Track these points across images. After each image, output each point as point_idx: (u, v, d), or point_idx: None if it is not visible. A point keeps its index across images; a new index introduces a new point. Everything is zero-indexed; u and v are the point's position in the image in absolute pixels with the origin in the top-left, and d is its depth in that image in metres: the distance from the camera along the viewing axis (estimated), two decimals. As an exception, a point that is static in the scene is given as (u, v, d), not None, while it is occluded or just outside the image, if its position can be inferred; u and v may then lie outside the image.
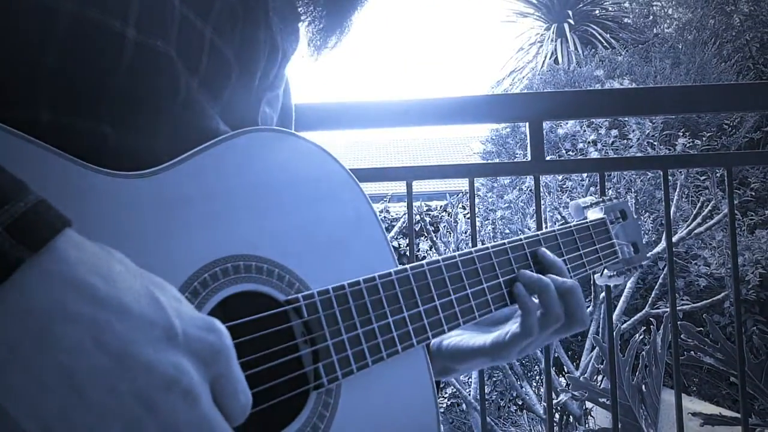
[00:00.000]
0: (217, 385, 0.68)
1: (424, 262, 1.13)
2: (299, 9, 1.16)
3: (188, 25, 0.91)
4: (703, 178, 9.09)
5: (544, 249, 1.30)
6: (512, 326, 1.24)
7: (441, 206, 12.22)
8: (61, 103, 0.80)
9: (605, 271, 1.54)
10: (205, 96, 0.95)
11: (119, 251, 0.69)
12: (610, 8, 20.43)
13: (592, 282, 5.90)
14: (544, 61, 18.91)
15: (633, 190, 8.17)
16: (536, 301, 1.23)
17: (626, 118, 9.55)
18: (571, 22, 19.40)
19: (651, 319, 6.02)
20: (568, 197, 8.24)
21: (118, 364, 0.60)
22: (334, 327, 0.96)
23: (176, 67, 0.89)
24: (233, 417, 0.70)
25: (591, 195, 1.62)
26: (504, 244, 1.27)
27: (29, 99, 0.78)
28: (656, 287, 6.33)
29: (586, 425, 6.29)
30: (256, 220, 0.93)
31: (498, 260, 1.25)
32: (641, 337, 5.03)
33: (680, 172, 6.70)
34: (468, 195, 2.47)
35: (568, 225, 1.42)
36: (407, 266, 1.09)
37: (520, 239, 1.30)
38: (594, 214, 1.52)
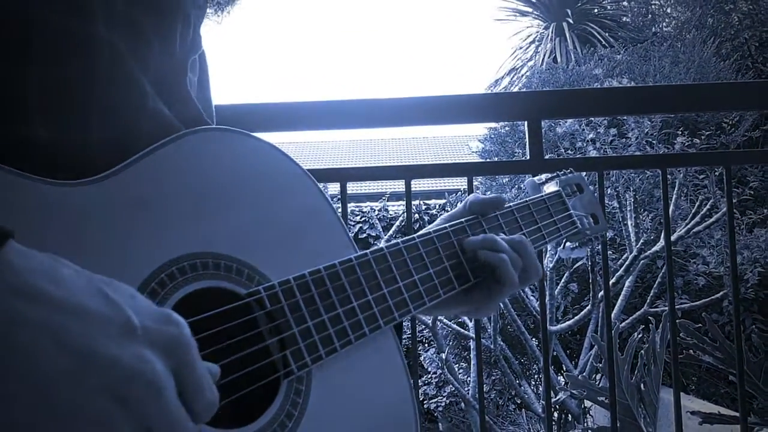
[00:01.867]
0: (180, 377, 0.67)
1: (383, 245, 1.14)
2: None
3: None
4: (702, 176, 9.09)
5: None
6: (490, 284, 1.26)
7: (439, 205, 12.24)
8: None
9: (566, 243, 1.56)
10: (135, 68, 0.94)
11: (72, 259, 0.68)
12: (608, 7, 20.44)
13: (591, 281, 5.91)
14: (542, 60, 18.91)
15: (632, 189, 8.17)
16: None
17: (625, 117, 9.55)
18: (570, 20, 19.40)
19: (650, 318, 6.03)
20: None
21: (82, 362, 0.60)
22: (298, 314, 0.97)
23: (101, 44, 0.88)
24: (199, 413, 0.69)
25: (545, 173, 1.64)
26: (462, 222, 1.29)
27: None
28: (655, 286, 6.34)
29: (585, 424, 6.29)
30: (210, 218, 0.93)
31: (457, 238, 1.26)
32: (640, 335, 5.03)
33: (679, 170, 6.72)
34: (466, 194, 2.47)
35: (525, 200, 1.44)
36: (367, 251, 1.10)
37: (476, 217, 1.32)
38: (550, 189, 1.54)
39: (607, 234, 2.97)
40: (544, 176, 1.57)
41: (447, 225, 1.27)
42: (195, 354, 0.69)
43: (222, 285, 0.91)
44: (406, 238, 1.19)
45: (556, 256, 6.18)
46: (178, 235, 0.88)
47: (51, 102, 0.84)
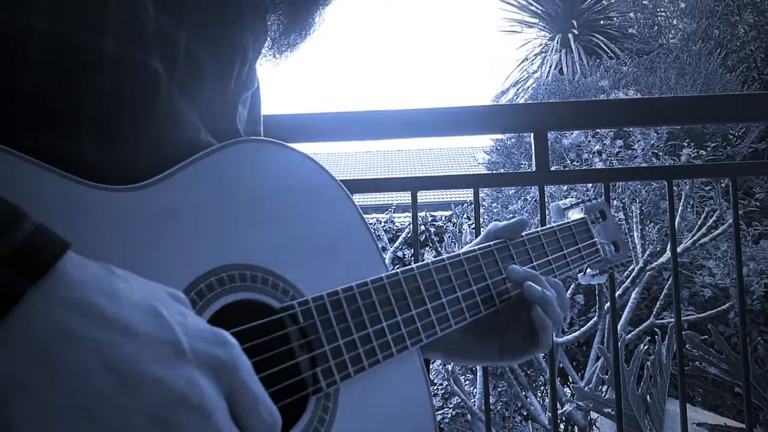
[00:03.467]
0: (232, 399, 0.67)
1: (414, 266, 1.15)
2: (268, 5, 1.16)
3: (163, 31, 0.90)
4: (708, 188, 9.08)
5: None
6: (524, 341, 1.27)
7: (446, 216, 12.22)
8: (39, 126, 0.79)
9: (588, 270, 1.56)
10: (184, 103, 0.95)
11: (115, 265, 0.68)
12: (614, 18, 20.45)
13: (596, 292, 5.90)
14: (548, 72, 18.90)
15: (638, 201, 8.16)
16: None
17: (631, 129, 9.55)
18: (576, 32, 19.41)
19: (656, 329, 6.01)
20: (572, 207, 8.22)
21: (127, 384, 0.60)
22: (330, 331, 0.98)
23: (158, 78, 0.89)
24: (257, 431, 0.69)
25: (570, 197, 1.64)
26: (490, 246, 1.29)
27: (5, 124, 0.77)
28: (661, 297, 6.32)
29: (591, 436, 6.27)
30: (248, 230, 0.94)
31: (485, 261, 1.27)
32: (646, 347, 5.02)
33: (685, 182, 6.70)
34: (473, 205, 2.48)
35: (551, 226, 1.45)
36: (398, 270, 1.11)
37: (505, 241, 1.33)
38: (575, 215, 1.55)
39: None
40: (569, 201, 1.58)
41: (476, 248, 1.28)
42: (248, 374, 0.69)
43: (257, 297, 0.92)
44: (436, 259, 1.20)
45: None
46: (216, 245, 0.89)
47: (102, 126, 0.84)
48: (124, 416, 0.59)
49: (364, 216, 1.12)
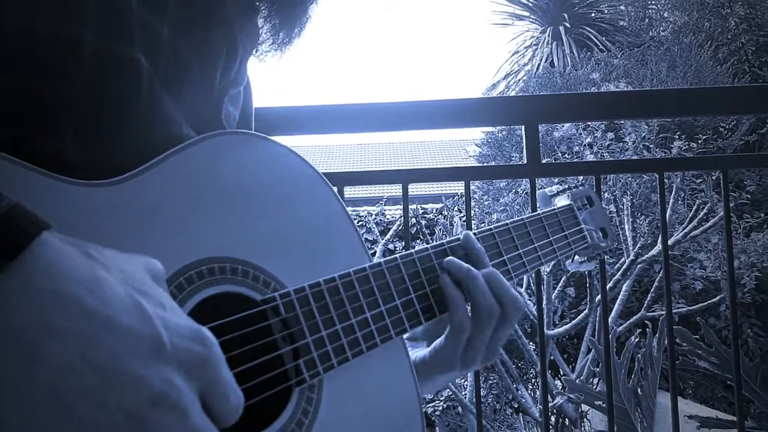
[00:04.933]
0: (206, 391, 0.67)
1: (397, 255, 1.14)
2: (256, 2, 1.15)
3: (146, 25, 0.89)
4: (699, 180, 9.11)
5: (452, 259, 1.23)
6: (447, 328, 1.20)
7: (437, 209, 12.25)
8: (18, 123, 0.78)
9: (576, 256, 1.55)
10: (168, 98, 0.94)
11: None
12: (605, 11, 20.49)
13: (587, 285, 5.91)
14: (539, 64, 18.93)
15: (629, 193, 8.18)
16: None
17: (622, 121, 9.56)
18: (567, 25, 19.44)
19: (647, 322, 6.03)
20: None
21: (107, 380, 0.59)
22: (312, 322, 0.97)
23: (141, 72, 0.88)
24: (225, 418, 0.69)
25: (556, 184, 1.63)
26: (475, 233, 1.28)
27: None
28: (652, 290, 6.34)
29: (582, 428, 6.29)
30: (228, 222, 0.93)
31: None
32: (637, 340, 5.04)
33: (676, 174, 6.72)
34: (464, 198, 2.47)
35: (536, 213, 1.44)
36: (381, 260, 1.11)
37: (490, 229, 1.32)
38: (561, 202, 1.54)
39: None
40: (555, 188, 1.58)
41: (445, 241, 1.25)
42: (223, 369, 0.69)
43: (238, 290, 0.91)
44: (420, 248, 1.19)
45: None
46: (197, 238, 0.88)
47: (84, 121, 0.83)
48: (102, 413, 0.58)
49: (348, 208, 1.11)
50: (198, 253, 0.88)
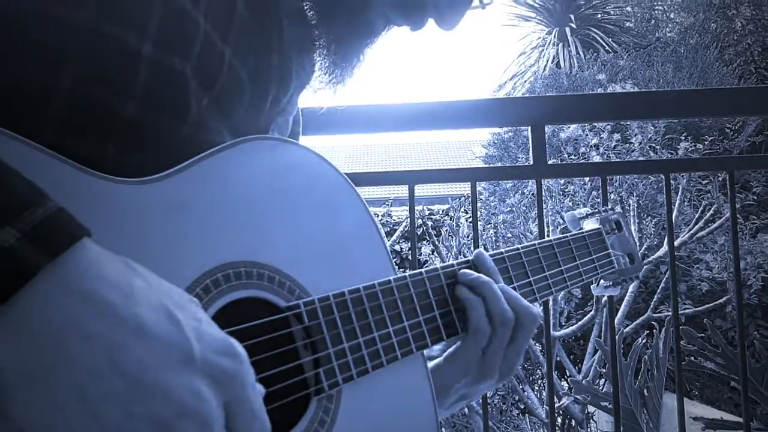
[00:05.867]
0: (230, 408, 0.67)
1: (422, 270, 1.14)
2: (315, 41, 1.14)
3: (209, 43, 0.90)
4: (706, 182, 9.09)
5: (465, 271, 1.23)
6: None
7: (443, 210, 12.23)
8: (70, 125, 0.78)
9: (601, 281, 1.55)
10: (215, 115, 0.94)
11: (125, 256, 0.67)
12: (612, 12, 20.45)
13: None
14: (546, 65, 18.92)
15: (635, 194, 8.17)
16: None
17: (628, 122, 9.55)
18: (573, 26, 19.42)
19: (653, 323, 6.01)
20: (570, 201, 8.24)
21: (134, 387, 0.59)
22: (334, 332, 0.97)
23: (188, 86, 0.88)
24: None
25: (587, 206, 1.62)
26: (501, 252, 1.28)
27: (36, 120, 0.76)
28: (658, 291, 6.33)
29: (588, 429, 6.28)
30: (256, 227, 0.93)
31: (500, 267, 1.26)
32: (644, 341, 5.03)
33: (682, 176, 6.70)
34: (470, 199, 2.47)
35: (565, 235, 1.44)
36: (406, 274, 1.11)
37: (518, 248, 1.32)
38: (590, 225, 1.54)
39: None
40: (584, 211, 1.57)
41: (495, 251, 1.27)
42: (251, 388, 0.69)
43: (263, 295, 0.92)
44: (446, 264, 1.19)
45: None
46: (224, 241, 0.88)
47: (129, 129, 0.83)
48: (128, 420, 0.59)
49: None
50: (225, 256, 0.88)
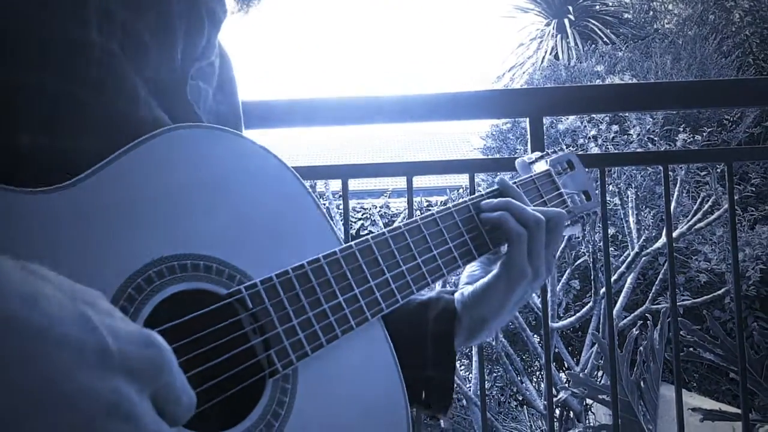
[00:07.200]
0: (158, 395, 0.64)
1: (368, 237, 1.12)
2: None
3: (104, 8, 0.89)
4: (704, 173, 9.09)
5: (486, 200, 1.30)
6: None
7: (441, 201, 12.23)
8: None
9: None
10: (136, 79, 0.92)
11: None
12: (610, 4, 20.43)
13: (593, 277, 5.91)
14: (544, 57, 18.93)
15: (633, 186, 8.16)
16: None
17: (627, 114, 9.56)
18: (572, 17, 19.41)
19: (647, 315, 6.03)
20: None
21: (54, 398, 0.56)
22: (282, 312, 0.95)
23: (95, 49, 0.86)
24: (178, 420, 0.67)
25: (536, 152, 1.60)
26: (449, 208, 1.27)
27: None
28: (657, 283, 6.34)
29: (587, 421, 6.30)
30: (185, 219, 0.90)
31: (445, 225, 1.25)
32: (638, 332, 5.03)
33: (681, 167, 6.70)
34: (468, 190, 2.47)
35: (514, 180, 1.40)
36: (352, 243, 1.08)
37: (465, 201, 1.30)
38: (540, 168, 1.51)
39: (609, 230, 2.96)
40: (534, 155, 1.55)
41: (435, 211, 1.26)
42: (174, 373, 0.66)
43: (202, 286, 0.89)
44: (392, 227, 1.18)
45: (558, 253, 6.18)
46: (154, 237, 0.86)
47: (41, 109, 0.82)
48: (52, 431, 0.56)
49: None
50: (155, 253, 0.85)
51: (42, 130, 0.82)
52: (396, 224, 1.19)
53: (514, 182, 1.38)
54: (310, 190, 1.08)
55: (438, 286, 1.69)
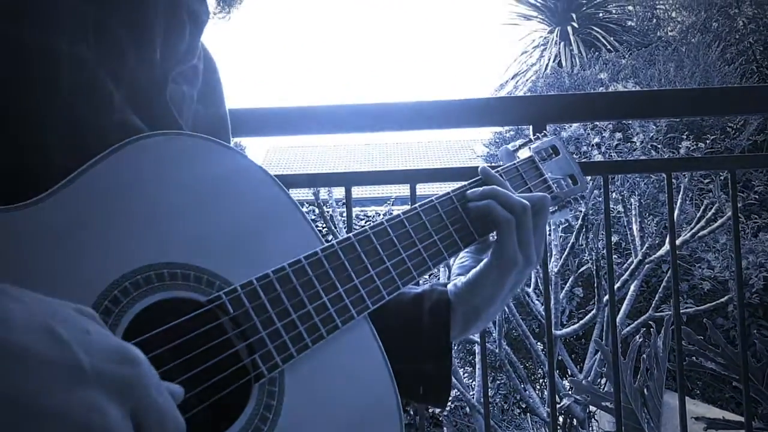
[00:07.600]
0: (139, 416, 0.63)
1: (351, 234, 1.11)
2: None
3: (75, 9, 0.88)
4: (707, 181, 9.09)
5: (471, 190, 1.30)
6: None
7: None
8: None
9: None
10: (108, 83, 0.91)
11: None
12: (613, 11, 20.47)
13: (596, 285, 5.90)
14: (547, 64, 18.94)
15: (637, 193, 8.16)
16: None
17: (630, 121, 9.55)
18: (575, 25, 19.43)
19: (651, 322, 6.01)
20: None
21: (27, 418, 0.55)
22: (265, 316, 0.94)
23: (62, 55, 0.85)
24: None
25: (521, 138, 1.60)
26: (432, 201, 1.27)
27: None
28: (660, 290, 6.32)
29: (590, 429, 6.28)
30: (159, 228, 0.89)
31: (429, 218, 1.24)
32: (641, 339, 5.02)
33: (684, 175, 6.69)
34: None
35: (496, 168, 1.40)
36: (334, 242, 1.07)
37: (448, 193, 1.30)
38: (524, 155, 1.51)
39: (612, 238, 2.95)
40: (518, 142, 1.54)
41: (417, 205, 1.26)
42: (155, 389, 0.65)
43: (182, 295, 0.88)
44: (375, 223, 1.16)
45: (561, 261, 6.17)
46: (128, 248, 0.85)
47: (5, 123, 0.81)
48: None
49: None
50: (131, 264, 0.84)
51: (7, 145, 0.81)
52: (378, 221, 1.18)
53: (497, 171, 1.38)
54: (287, 190, 1.06)
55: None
